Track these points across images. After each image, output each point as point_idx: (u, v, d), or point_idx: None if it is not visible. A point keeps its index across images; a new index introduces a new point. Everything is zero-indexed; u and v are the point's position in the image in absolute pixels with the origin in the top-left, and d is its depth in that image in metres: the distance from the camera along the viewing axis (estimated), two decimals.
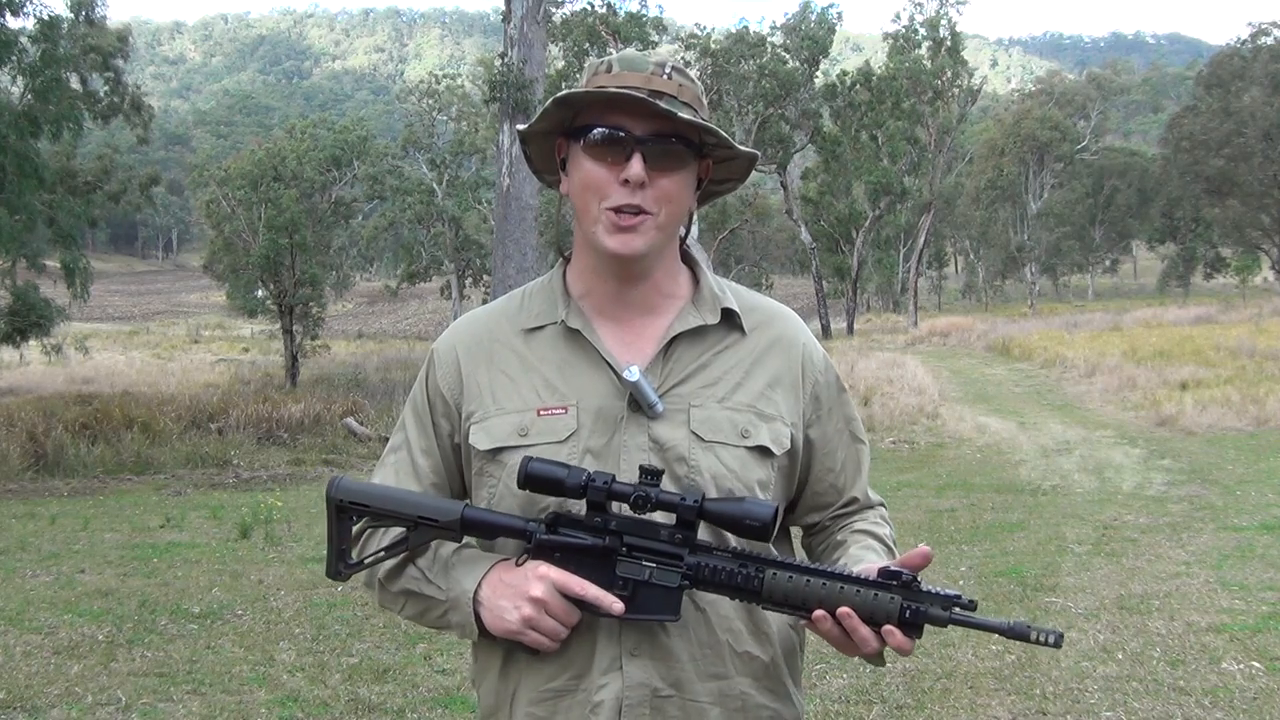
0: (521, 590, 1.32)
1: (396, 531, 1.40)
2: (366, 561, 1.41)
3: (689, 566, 1.30)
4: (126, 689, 4.59)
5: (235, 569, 7.07)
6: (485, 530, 1.37)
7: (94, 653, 5.13)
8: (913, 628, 1.25)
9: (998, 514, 8.66)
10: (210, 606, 6.04)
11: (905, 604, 1.25)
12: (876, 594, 1.25)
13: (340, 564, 1.41)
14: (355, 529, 1.42)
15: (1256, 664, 4.75)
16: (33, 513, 9.54)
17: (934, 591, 1.25)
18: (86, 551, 7.73)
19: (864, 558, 1.40)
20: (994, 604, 5.80)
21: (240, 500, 10.03)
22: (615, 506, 1.33)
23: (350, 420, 14.88)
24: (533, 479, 1.31)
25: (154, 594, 6.33)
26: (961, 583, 6.14)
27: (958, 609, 1.25)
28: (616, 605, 1.30)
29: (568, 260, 1.51)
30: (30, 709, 4.36)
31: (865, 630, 1.25)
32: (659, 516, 1.32)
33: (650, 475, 1.30)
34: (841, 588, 1.26)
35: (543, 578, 1.32)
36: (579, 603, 1.32)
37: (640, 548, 1.32)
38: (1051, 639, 1.21)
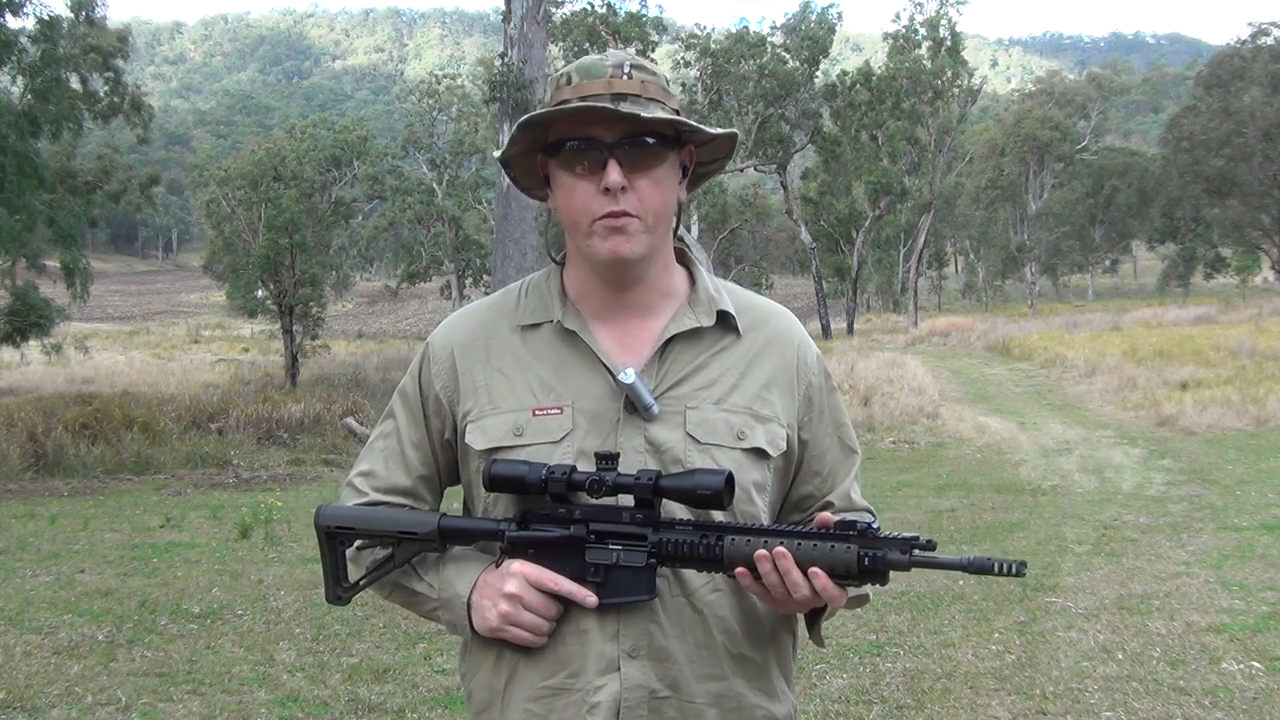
0: (497, 588, 1.36)
1: (378, 554, 1.45)
2: (361, 584, 1.46)
3: (653, 544, 1.32)
4: (126, 689, 4.59)
5: (235, 569, 7.07)
6: (462, 537, 1.41)
7: (94, 653, 5.13)
8: (875, 574, 1.25)
9: (998, 514, 8.66)
10: (210, 606, 6.04)
11: (863, 551, 1.25)
12: (834, 546, 1.26)
13: (338, 588, 1.47)
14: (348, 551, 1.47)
15: (1256, 664, 4.75)
16: (33, 513, 9.54)
17: (892, 536, 1.25)
18: (86, 551, 7.73)
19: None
20: (994, 603, 5.80)
21: (240, 500, 10.03)
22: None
23: (350, 420, 14.87)
24: (497, 480, 1.35)
25: (154, 594, 6.33)
26: (961, 583, 6.15)
27: (917, 550, 1.24)
28: (590, 599, 1.33)
29: (562, 264, 1.50)
30: (30, 709, 4.36)
31: (796, 574, 1.26)
32: (624, 500, 1.34)
33: (606, 460, 1.32)
34: (799, 544, 1.27)
35: (516, 574, 1.35)
36: (559, 596, 1.34)
37: (606, 533, 1.34)
38: (1014, 568, 1.21)
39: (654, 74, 1.41)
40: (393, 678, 4.73)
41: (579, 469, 1.33)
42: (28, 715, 4.30)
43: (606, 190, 1.35)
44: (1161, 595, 5.97)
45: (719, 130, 1.43)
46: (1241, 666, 4.72)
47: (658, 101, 1.38)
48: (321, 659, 5.03)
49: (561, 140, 1.37)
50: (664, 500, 1.33)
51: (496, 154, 1.47)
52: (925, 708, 4.31)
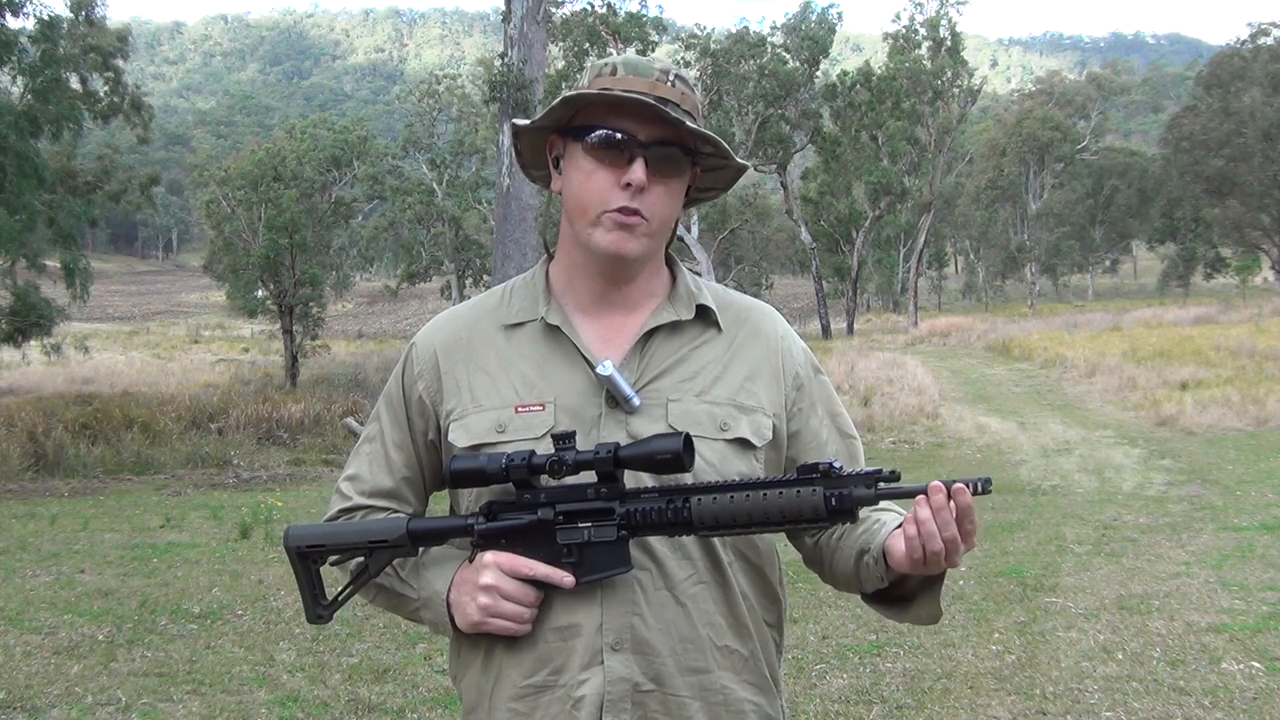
0: (473, 582, 1.36)
1: (357, 559, 1.44)
2: (340, 599, 1.46)
3: (621, 516, 1.32)
4: (126, 689, 4.59)
5: (235, 569, 7.07)
6: (432, 537, 1.41)
7: (94, 653, 5.13)
8: (844, 514, 1.25)
9: (998, 514, 8.65)
10: (210, 606, 6.04)
11: (829, 492, 1.24)
12: (799, 490, 1.25)
13: (317, 608, 1.46)
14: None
15: (1256, 664, 4.75)
16: (33, 513, 9.54)
17: (855, 473, 1.25)
18: (86, 551, 7.73)
19: (883, 518, 1.39)
20: (994, 604, 5.80)
21: (240, 500, 10.03)
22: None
23: (350, 420, 14.86)
24: (458, 476, 1.35)
25: (154, 594, 6.33)
26: (961, 583, 6.15)
27: (882, 484, 1.25)
28: (567, 579, 1.33)
29: (551, 257, 1.51)
30: (30, 709, 4.36)
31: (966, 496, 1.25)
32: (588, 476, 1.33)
33: (564, 439, 1.31)
34: (765, 494, 1.26)
35: (489, 564, 1.35)
36: (537, 581, 1.34)
37: (574, 512, 1.34)
38: (979, 486, 1.23)
39: (692, 89, 1.43)
40: (393, 678, 4.73)
41: (538, 453, 1.33)
42: (28, 715, 4.30)
43: (627, 185, 1.36)
44: (1161, 595, 5.96)
45: (738, 160, 1.45)
46: (1241, 666, 4.72)
47: (691, 116, 1.40)
48: (321, 659, 5.03)
49: (591, 125, 1.38)
50: (635, 472, 1.33)
51: (521, 123, 1.44)
52: (925, 708, 4.31)
